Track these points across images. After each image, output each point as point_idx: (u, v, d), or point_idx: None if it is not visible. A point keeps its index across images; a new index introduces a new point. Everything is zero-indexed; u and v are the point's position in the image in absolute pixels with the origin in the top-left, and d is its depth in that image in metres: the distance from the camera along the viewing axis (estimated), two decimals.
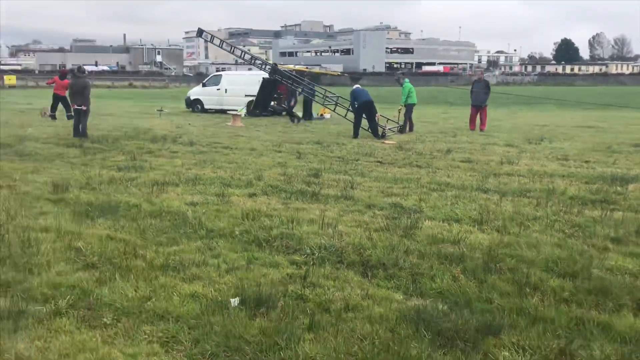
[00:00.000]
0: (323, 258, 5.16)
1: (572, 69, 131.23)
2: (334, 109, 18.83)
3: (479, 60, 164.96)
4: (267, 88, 22.35)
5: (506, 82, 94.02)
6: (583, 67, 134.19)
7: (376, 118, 15.51)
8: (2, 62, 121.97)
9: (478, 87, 17.82)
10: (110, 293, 4.29)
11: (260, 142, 14.21)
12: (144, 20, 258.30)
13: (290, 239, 5.71)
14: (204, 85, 26.79)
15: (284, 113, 24.99)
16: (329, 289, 4.49)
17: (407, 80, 17.37)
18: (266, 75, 22.50)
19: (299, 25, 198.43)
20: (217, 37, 21.82)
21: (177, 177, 9.09)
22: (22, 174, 9.26)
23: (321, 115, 24.56)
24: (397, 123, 16.89)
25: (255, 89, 25.11)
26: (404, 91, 16.93)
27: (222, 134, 16.32)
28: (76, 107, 15.09)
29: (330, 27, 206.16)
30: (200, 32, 22.42)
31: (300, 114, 24.69)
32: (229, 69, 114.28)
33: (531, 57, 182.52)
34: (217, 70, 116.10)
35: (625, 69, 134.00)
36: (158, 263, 4.95)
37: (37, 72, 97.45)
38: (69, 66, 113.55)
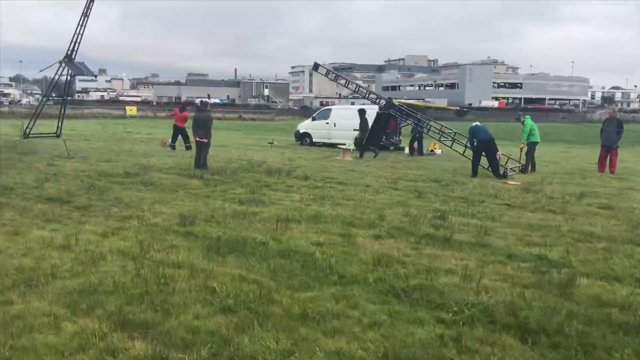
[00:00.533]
0: (473, 317, 4.64)
1: None
2: (451, 145, 18.14)
3: (592, 97, 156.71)
4: (381, 122, 22.12)
5: (625, 120, 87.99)
6: None
7: (497, 156, 14.71)
8: (124, 94, 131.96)
9: (610, 126, 16.49)
10: (250, 343, 4.04)
11: (373, 178, 13.88)
12: (253, 55, 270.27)
13: (430, 292, 5.24)
14: (313, 119, 27.07)
15: (392, 148, 24.69)
16: (489, 356, 3.97)
17: (528, 117, 16.43)
18: (375, 109, 22.35)
19: (403, 59, 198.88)
20: (332, 72, 22.00)
21: (298, 213, 8.91)
22: (150, 204, 9.51)
23: (431, 150, 23.94)
24: (519, 162, 15.95)
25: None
26: (525, 129, 16.01)
27: (334, 169, 16.19)
28: (198, 139, 15.44)
29: (434, 61, 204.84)
30: (316, 67, 22.70)
31: (406, 150, 24.24)
32: (333, 103, 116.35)
33: None
34: (320, 104, 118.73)
35: None
36: (296, 311, 4.67)
37: (154, 103, 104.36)
38: (183, 98, 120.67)
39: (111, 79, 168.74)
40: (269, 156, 19.91)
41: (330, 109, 27.10)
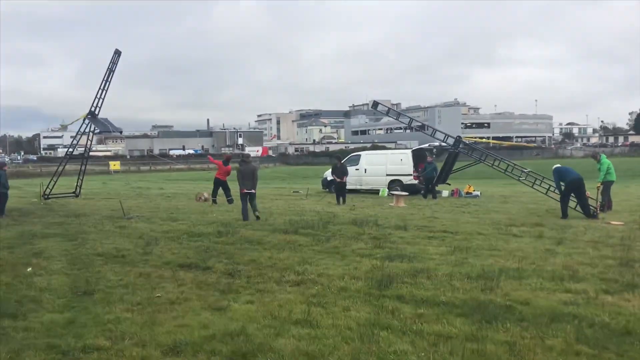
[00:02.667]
0: None
1: None
2: (532, 184, 17.72)
3: (552, 133, 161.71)
4: (449, 162, 22.04)
5: (613, 155, 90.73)
6: None
7: (587, 195, 14.52)
8: (93, 149, 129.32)
9: None
10: None
11: (474, 225, 13.38)
12: (213, 106, 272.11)
13: None
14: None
15: (422, 192, 24.33)
16: None
17: (603, 155, 16.42)
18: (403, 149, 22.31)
19: (367, 104, 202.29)
20: (393, 109, 21.74)
21: (482, 269, 8.34)
22: (296, 265, 8.78)
23: (468, 192, 23.76)
24: (596, 201, 15.81)
25: (395, 168, 24.83)
26: (602, 167, 15.95)
27: (409, 216, 15.66)
28: (246, 190, 15.31)
29: (397, 105, 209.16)
30: (375, 105, 22.25)
31: (445, 192, 24.00)
32: (307, 149, 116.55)
33: (604, 128, 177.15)
34: (296, 151, 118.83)
35: None
36: None
37: (128, 157, 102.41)
38: (156, 151, 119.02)
39: (76, 134, 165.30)
40: (318, 206, 19.31)
41: (359, 155, 26.74)
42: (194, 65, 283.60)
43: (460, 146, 21.14)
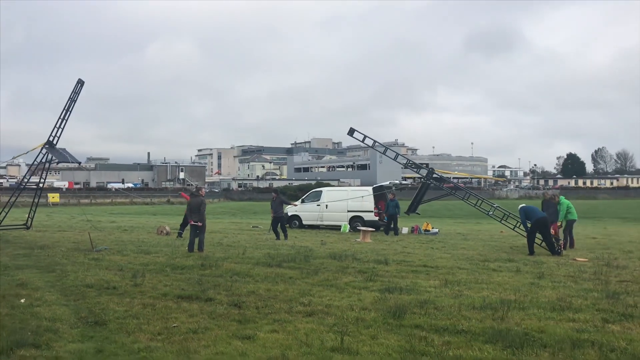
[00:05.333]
0: None
1: (584, 183, 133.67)
2: (500, 220, 18.29)
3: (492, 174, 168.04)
4: (421, 192, 22.87)
5: (529, 196, 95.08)
6: (594, 181, 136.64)
7: (552, 233, 15.36)
8: (27, 181, 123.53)
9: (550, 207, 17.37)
10: None
11: (449, 260, 13.84)
12: (149, 140, 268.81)
13: None
14: (302, 201, 26.84)
15: (381, 228, 24.72)
16: None
17: (562, 197, 17.41)
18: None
19: (309, 142, 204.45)
20: (368, 137, 22.16)
21: (483, 301, 8.71)
22: (298, 296, 8.88)
23: (426, 230, 24.42)
24: (559, 239, 16.65)
25: (356, 205, 25.28)
26: (562, 207, 16.88)
27: (384, 251, 15.97)
28: (193, 222, 15.79)
29: (339, 143, 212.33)
30: (351, 131, 22.58)
31: (405, 229, 24.57)
32: (251, 185, 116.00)
33: (533, 171, 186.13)
34: (239, 186, 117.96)
35: (636, 182, 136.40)
36: None
37: (64, 189, 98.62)
38: (93, 183, 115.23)
39: (6, 164, 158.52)
40: (289, 242, 19.33)
41: (321, 191, 27.05)
42: (128, 100, 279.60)
43: (433, 177, 21.93)
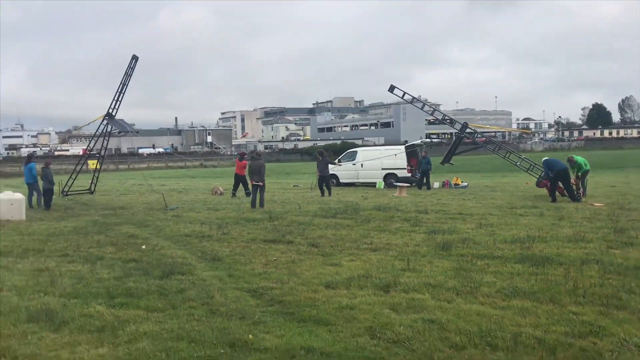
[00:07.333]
0: None
1: (610, 133, 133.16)
2: (527, 170, 20.30)
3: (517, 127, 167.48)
4: (456, 144, 25.10)
5: (553, 148, 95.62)
6: (621, 131, 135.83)
7: (572, 183, 17.20)
8: (58, 148, 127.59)
9: None
10: None
11: (481, 208, 15.86)
12: (170, 105, 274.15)
13: None
14: (339, 161, 28.87)
15: (414, 183, 26.68)
16: None
17: (575, 156, 18.80)
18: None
19: (331, 101, 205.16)
20: (408, 94, 24.07)
21: (512, 237, 10.74)
22: (363, 238, 10.99)
23: (456, 184, 26.36)
24: (580, 187, 18.36)
25: (390, 163, 27.24)
26: (581, 164, 18.28)
27: (421, 203, 17.97)
28: (254, 183, 17.78)
29: (360, 102, 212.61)
30: (392, 88, 24.36)
31: (436, 184, 26.52)
32: (277, 147, 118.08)
33: (558, 123, 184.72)
34: (265, 148, 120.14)
35: None
36: None
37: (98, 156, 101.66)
38: (124, 149, 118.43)
39: (37, 133, 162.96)
40: (327, 198, 21.33)
41: (356, 151, 29.07)
42: (147, 67, 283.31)
43: (466, 131, 23.90)
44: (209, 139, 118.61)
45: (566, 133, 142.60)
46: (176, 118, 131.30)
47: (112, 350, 5.19)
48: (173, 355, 4.99)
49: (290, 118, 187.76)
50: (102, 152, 26.55)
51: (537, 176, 19.57)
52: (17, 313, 6.38)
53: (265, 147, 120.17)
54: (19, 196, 16.60)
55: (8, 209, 15.79)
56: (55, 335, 5.64)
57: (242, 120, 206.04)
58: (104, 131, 25.15)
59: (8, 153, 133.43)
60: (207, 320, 5.98)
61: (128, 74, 24.59)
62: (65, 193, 24.62)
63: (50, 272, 8.48)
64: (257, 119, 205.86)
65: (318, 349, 5.05)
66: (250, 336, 5.40)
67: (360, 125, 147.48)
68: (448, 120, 25.35)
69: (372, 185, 27.31)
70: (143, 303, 6.71)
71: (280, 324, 5.83)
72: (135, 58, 24.59)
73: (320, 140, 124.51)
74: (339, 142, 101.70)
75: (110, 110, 24.91)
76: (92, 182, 26.35)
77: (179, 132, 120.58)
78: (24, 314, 6.32)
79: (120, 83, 24.57)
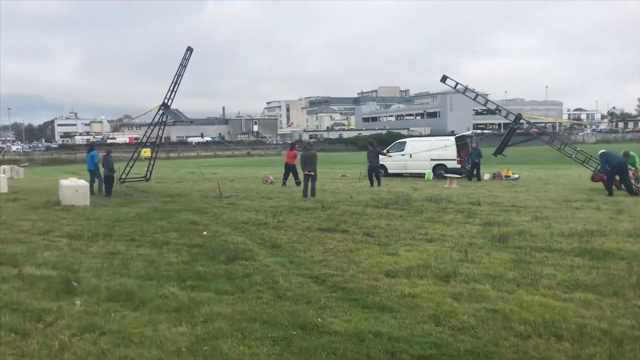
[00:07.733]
0: None
1: None
2: (582, 162, 20.01)
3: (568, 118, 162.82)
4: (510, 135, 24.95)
5: (607, 140, 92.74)
6: None
7: (630, 176, 16.85)
8: (110, 137, 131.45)
9: None
10: None
11: (533, 201, 15.73)
12: (216, 94, 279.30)
13: None
14: (387, 151, 28.92)
15: (464, 175, 26.48)
16: None
17: (629, 151, 18.35)
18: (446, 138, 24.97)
19: (376, 91, 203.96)
20: (460, 84, 24.01)
21: (570, 230, 10.68)
22: (417, 228, 11.12)
23: (507, 176, 26.06)
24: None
25: (439, 154, 27.12)
26: (635, 158, 17.91)
27: (473, 195, 17.92)
28: (306, 172, 18.00)
29: (406, 91, 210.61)
30: (444, 78, 24.47)
31: (486, 176, 26.28)
32: (322, 136, 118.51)
33: (612, 114, 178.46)
34: (310, 137, 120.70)
35: None
36: None
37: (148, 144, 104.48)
38: (173, 138, 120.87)
39: (90, 122, 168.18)
40: (377, 188, 21.47)
41: (404, 142, 29.10)
42: (195, 57, 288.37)
43: (519, 122, 23.69)
44: (255, 128, 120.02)
45: (620, 124, 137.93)
46: (223, 108, 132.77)
47: (190, 329, 5.54)
48: (249, 335, 5.29)
49: (335, 108, 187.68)
50: (158, 141, 27.30)
51: (593, 169, 19.19)
52: (98, 292, 6.82)
53: (310, 137, 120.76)
54: (83, 183, 17.40)
55: (73, 195, 16.57)
56: (136, 314, 6.03)
57: (287, 109, 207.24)
58: (160, 120, 25.91)
59: (63, 141, 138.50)
60: (275, 304, 6.27)
61: (183, 65, 25.21)
62: (122, 180, 25.53)
63: (122, 256, 8.96)
64: (302, 108, 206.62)
65: (386, 333, 5.26)
66: (320, 320, 5.66)
67: (406, 115, 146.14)
68: (501, 111, 25.01)
69: (421, 176, 27.28)
70: (213, 286, 7.06)
71: (345, 310, 6.07)
72: (190, 50, 25.19)
73: (365, 130, 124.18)
74: (384, 132, 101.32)
75: (166, 100, 25.60)
76: (147, 170, 27.21)
77: (226, 121, 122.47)
78: (104, 294, 6.76)
79: (176, 74, 25.24)
